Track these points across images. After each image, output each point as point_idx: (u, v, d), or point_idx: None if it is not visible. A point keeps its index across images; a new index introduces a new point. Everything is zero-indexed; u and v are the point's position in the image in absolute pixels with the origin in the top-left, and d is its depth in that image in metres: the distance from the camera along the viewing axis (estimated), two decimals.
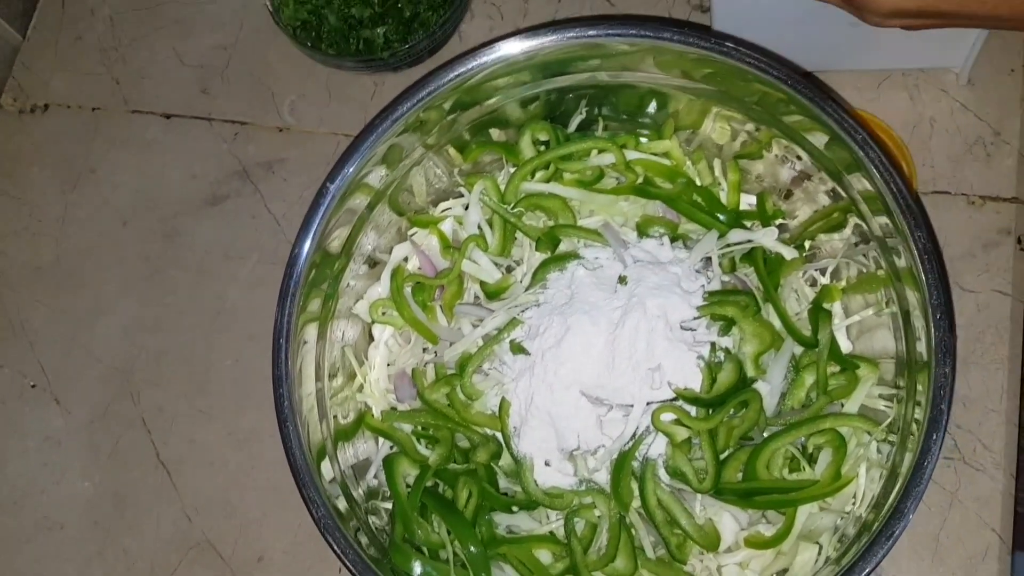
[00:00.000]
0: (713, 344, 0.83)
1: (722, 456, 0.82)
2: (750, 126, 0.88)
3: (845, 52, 1.00)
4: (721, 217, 0.88)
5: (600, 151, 0.91)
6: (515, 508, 0.85)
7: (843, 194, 0.84)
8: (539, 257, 0.91)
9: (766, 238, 0.87)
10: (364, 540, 0.79)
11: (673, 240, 0.89)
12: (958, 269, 0.97)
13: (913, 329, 0.78)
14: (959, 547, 0.91)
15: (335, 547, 0.76)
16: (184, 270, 1.09)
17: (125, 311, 1.09)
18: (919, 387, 0.76)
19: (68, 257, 1.12)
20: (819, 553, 0.79)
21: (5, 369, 1.08)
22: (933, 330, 0.73)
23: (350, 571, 0.76)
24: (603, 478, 0.84)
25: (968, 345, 0.95)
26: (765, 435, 0.82)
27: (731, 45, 0.80)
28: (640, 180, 0.91)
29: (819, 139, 0.83)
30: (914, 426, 0.75)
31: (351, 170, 0.82)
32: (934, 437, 0.71)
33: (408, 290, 0.91)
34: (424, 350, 0.93)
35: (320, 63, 1.08)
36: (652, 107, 0.92)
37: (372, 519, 0.84)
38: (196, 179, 1.12)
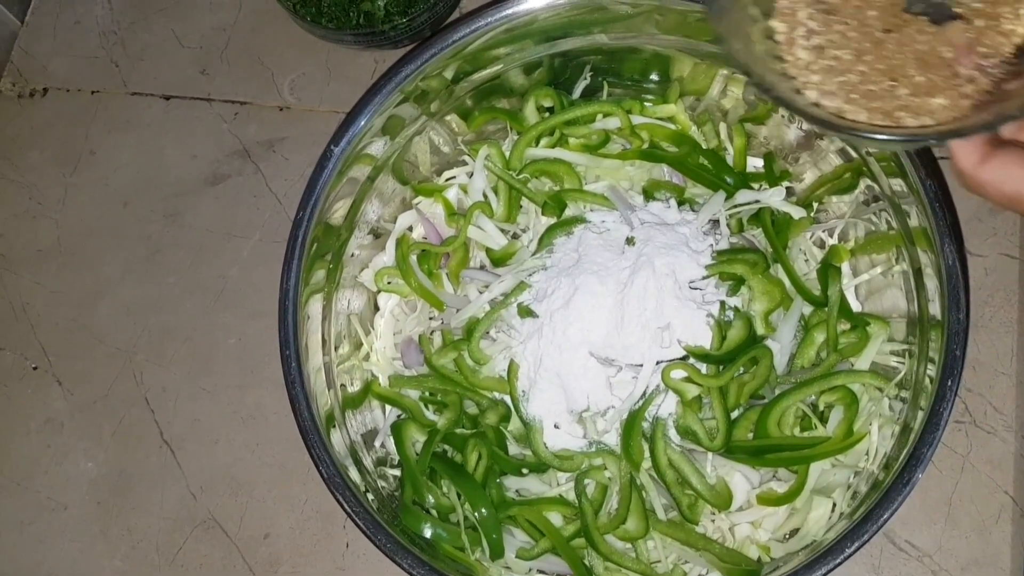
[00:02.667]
0: (722, 303, 0.83)
1: (733, 415, 0.81)
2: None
3: None
4: (728, 179, 0.88)
5: (605, 115, 0.91)
6: (525, 471, 0.84)
7: (852, 154, 0.83)
8: (545, 222, 0.90)
9: (774, 198, 0.86)
10: (375, 504, 0.79)
11: (680, 204, 0.89)
12: (965, 233, 0.96)
13: (925, 287, 0.77)
14: (972, 510, 0.90)
15: (345, 507, 0.75)
16: (185, 250, 1.09)
17: (127, 292, 1.08)
18: (932, 343, 0.75)
19: (69, 239, 1.11)
20: (832, 509, 0.78)
21: (7, 351, 1.08)
22: (945, 278, 0.72)
23: (361, 529, 0.75)
24: (613, 439, 0.83)
25: (977, 309, 0.94)
26: (776, 393, 0.82)
27: None
28: (646, 144, 0.90)
29: None
30: (927, 382, 0.75)
31: (360, 125, 0.81)
32: (949, 383, 0.70)
33: (414, 258, 0.91)
34: (430, 317, 0.92)
35: (320, 38, 1.07)
36: (657, 72, 0.92)
37: (382, 484, 0.83)
38: (196, 159, 1.12)
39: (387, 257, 0.93)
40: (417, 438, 0.86)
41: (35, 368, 1.06)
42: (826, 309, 0.83)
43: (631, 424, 0.80)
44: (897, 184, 0.79)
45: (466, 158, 0.96)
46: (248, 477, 1.00)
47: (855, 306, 0.88)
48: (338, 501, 0.75)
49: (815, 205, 0.90)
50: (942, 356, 0.71)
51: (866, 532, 0.69)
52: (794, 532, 0.81)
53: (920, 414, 0.74)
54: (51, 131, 1.16)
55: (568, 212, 0.90)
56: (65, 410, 1.05)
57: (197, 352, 1.05)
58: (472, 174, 0.93)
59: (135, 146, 1.13)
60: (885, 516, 0.69)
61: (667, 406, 0.81)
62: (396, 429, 0.86)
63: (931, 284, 0.76)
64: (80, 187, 1.13)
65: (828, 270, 0.84)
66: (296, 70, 1.13)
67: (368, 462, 0.85)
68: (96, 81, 1.17)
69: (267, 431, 1.01)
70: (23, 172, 1.14)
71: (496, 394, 0.86)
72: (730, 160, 0.91)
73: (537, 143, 0.92)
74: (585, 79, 0.93)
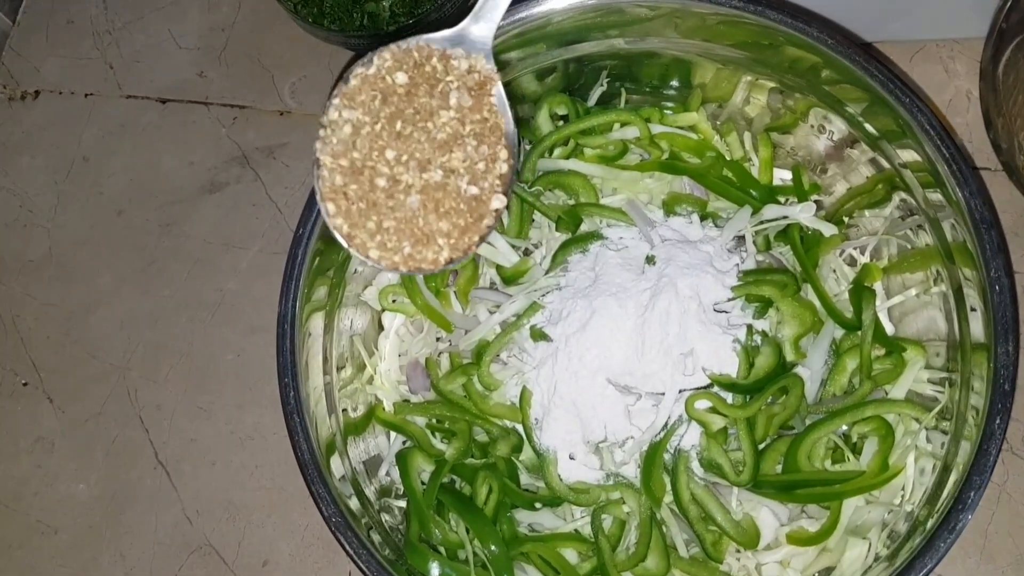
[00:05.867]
0: (749, 327, 0.78)
1: (760, 446, 0.76)
2: (783, 95, 0.83)
3: (873, 23, 0.95)
4: (754, 192, 0.83)
5: (623, 124, 0.86)
6: (538, 505, 0.80)
7: (885, 165, 0.79)
8: (559, 238, 0.85)
9: (803, 214, 0.81)
10: (377, 540, 0.74)
11: (702, 218, 0.84)
12: None
13: (966, 308, 0.73)
14: (1009, 543, 0.86)
15: (347, 547, 0.70)
16: (182, 261, 1.05)
17: (121, 305, 1.04)
18: (975, 370, 0.71)
19: (61, 249, 1.07)
20: (868, 550, 0.73)
21: None
22: (993, 306, 0.67)
23: (363, 572, 0.70)
24: (632, 472, 0.79)
25: None
26: (806, 423, 0.77)
27: (760, 6, 0.75)
28: (666, 155, 0.86)
29: (857, 106, 0.78)
30: (970, 414, 0.70)
31: None
32: (998, 421, 0.65)
33: (420, 276, 0.86)
34: (438, 339, 0.88)
35: (322, 40, 1.03)
36: (677, 78, 0.88)
37: (385, 518, 0.79)
38: (194, 166, 1.08)
39: (392, 274, 0.88)
40: (424, 468, 0.82)
41: (25, 384, 1.03)
42: (859, 333, 0.78)
43: (652, 456, 0.76)
44: (935, 196, 0.74)
45: None
46: (246, 501, 0.96)
47: (888, 329, 0.83)
48: (340, 542, 0.71)
49: (845, 220, 0.85)
50: (989, 390, 0.66)
51: None
52: (826, 571, 0.76)
53: (963, 449, 0.69)
54: (43, 136, 1.12)
55: (583, 228, 0.85)
56: (56, 428, 1.01)
57: (194, 369, 1.01)
58: None
59: (130, 152, 1.10)
60: (930, 565, 0.64)
61: (690, 437, 0.77)
62: (401, 458, 0.81)
63: (973, 305, 0.72)
64: (73, 195, 1.09)
65: (861, 291, 0.79)
66: (297, 73, 1.09)
67: (371, 492, 0.80)
68: (90, 83, 1.13)
69: (266, 453, 0.97)
70: (13, 179, 1.11)
71: (507, 422, 0.82)
72: (755, 172, 0.86)
73: (551, 153, 0.88)
74: (602, 85, 0.89)
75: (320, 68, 1.08)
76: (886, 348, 0.79)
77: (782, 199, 0.85)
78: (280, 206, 1.04)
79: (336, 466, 0.78)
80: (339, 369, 0.84)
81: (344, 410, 0.83)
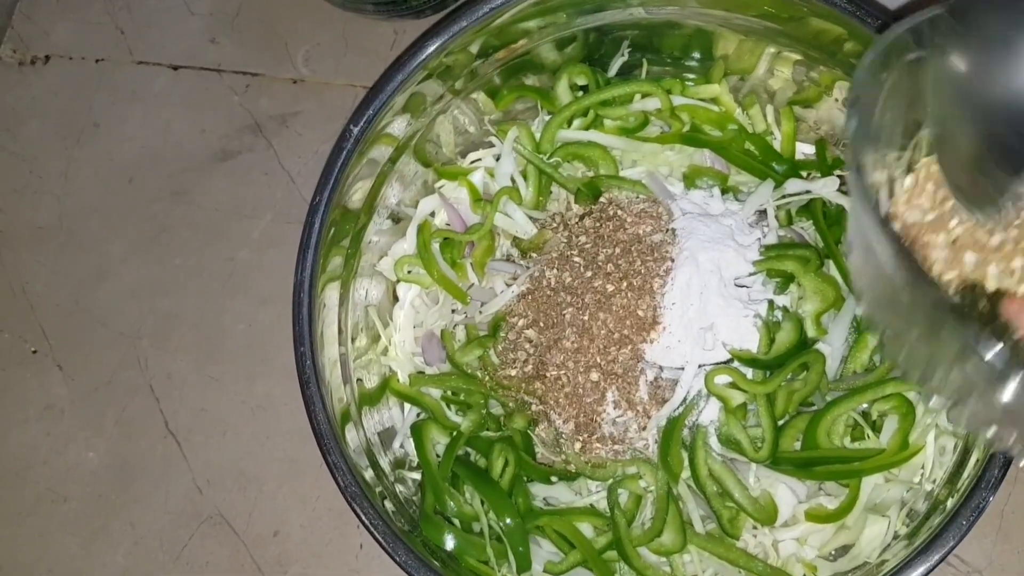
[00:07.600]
0: (770, 302, 0.77)
1: (779, 423, 0.76)
2: (807, 68, 0.82)
3: None
4: (776, 166, 0.82)
5: (644, 96, 0.85)
6: (554, 478, 0.79)
7: None
8: (577, 211, 0.84)
9: (826, 188, 0.80)
10: (392, 511, 0.74)
11: (723, 192, 0.83)
12: None
13: None
14: None
15: (362, 517, 0.70)
16: (193, 230, 1.03)
17: (131, 273, 1.03)
18: None
19: (71, 216, 1.06)
20: (887, 528, 0.73)
21: (5, 334, 1.03)
22: None
23: (378, 543, 0.70)
24: (650, 446, 0.78)
25: None
26: (826, 400, 0.76)
27: None
28: (687, 128, 0.85)
29: None
30: None
31: (381, 103, 0.76)
32: None
33: (436, 246, 0.86)
34: (453, 311, 0.87)
35: (337, 7, 1.02)
36: (699, 49, 0.86)
37: (400, 489, 0.78)
38: (205, 134, 1.06)
39: (407, 244, 0.87)
40: (439, 440, 0.81)
41: (34, 352, 1.02)
42: None
43: (670, 432, 0.75)
44: None
45: (493, 139, 0.90)
46: (257, 471, 0.95)
47: None
48: (355, 512, 0.70)
49: None
50: None
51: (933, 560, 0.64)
52: (841, 550, 0.76)
53: None
54: (53, 101, 1.10)
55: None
56: (66, 397, 1.00)
57: (204, 338, 1.00)
58: (499, 157, 0.88)
59: (141, 119, 1.08)
60: (951, 544, 0.64)
61: (709, 413, 0.76)
62: (416, 430, 0.81)
63: None
64: (83, 161, 1.08)
65: None
66: (311, 40, 1.08)
67: (385, 463, 0.80)
68: (101, 49, 1.11)
69: (278, 423, 0.96)
70: (23, 144, 1.09)
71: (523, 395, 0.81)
72: (778, 146, 0.85)
73: (570, 124, 0.86)
74: (622, 56, 0.88)
75: (334, 36, 1.07)
76: None
77: (805, 173, 0.83)
78: (293, 175, 1.03)
79: (351, 437, 0.77)
80: (353, 340, 0.83)
81: (359, 380, 0.82)
